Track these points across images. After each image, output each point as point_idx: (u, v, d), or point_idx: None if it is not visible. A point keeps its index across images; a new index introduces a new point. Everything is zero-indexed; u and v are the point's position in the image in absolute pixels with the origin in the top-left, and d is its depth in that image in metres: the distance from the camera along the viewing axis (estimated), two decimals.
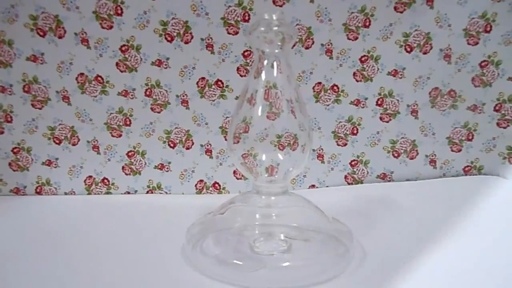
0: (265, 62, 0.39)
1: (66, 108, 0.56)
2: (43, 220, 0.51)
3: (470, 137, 0.60)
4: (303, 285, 0.35)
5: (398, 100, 0.58)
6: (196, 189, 0.59)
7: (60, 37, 0.54)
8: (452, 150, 0.60)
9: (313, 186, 0.60)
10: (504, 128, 0.59)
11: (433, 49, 0.57)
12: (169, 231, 0.47)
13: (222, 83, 0.56)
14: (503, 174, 0.59)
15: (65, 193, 0.58)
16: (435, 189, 0.58)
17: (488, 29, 0.56)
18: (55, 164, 0.58)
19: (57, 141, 0.57)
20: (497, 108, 0.59)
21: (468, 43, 0.57)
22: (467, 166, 0.61)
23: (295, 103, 0.40)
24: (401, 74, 0.58)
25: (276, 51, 0.38)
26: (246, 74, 0.56)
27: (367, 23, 0.56)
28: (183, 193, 0.59)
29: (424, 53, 0.57)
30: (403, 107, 0.59)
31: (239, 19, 0.54)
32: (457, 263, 0.39)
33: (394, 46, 0.57)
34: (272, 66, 0.39)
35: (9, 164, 0.57)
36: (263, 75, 0.41)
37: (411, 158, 0.60)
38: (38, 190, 0.58)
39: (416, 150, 0.60)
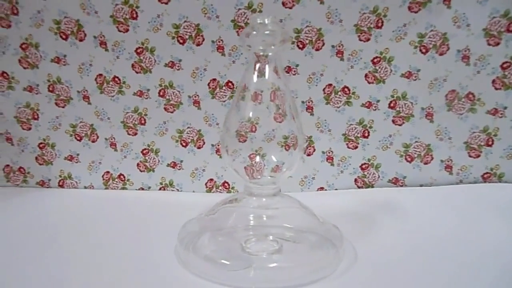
0: (267, 64, 0.36)
1: (86, 107, 0.56)
2: (63, 212, 0.51)
3: (490, 143, 0.54)
4: (290, 286, 0.33)
5: (412, 102, 0.54)
6: (206, 187, 0.57)
7: (80, 40, 0.54)
8: (470, 156, 0.54)
9: (321, 188, 0.56)
10: None
11: (450, 50, 0.52)
12: (176, 228, 0.45)
13: (233, 84, 0.54)
14: None
15: (85, 187, 0.59)
16: (450, 196, 0.53)
17: (511, 28, 0.50)
18: (76, 160, 0.58)
19: (78, 138, 0.57)
20: None
21: (489, 44, 0.51)
22: (486, 173, 0.55)
23: (293, 107, 0.38)
24: (415, 76, 0.53)
25: (271, 54, 0.35)
26: (259, 75, 0.53)
27: (380, 24, 0.52)
28: (193, 191, 0.57)
29: (441, 54, 0.52)
30: (417, 110, 0.54)
31: (249, 21, 0.52)
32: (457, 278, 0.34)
33: (408, 47, 0.52)
34: (275, 69, 0.37)
35: (36, 158, 0.58)
36: (267, 76, 0.38)
37: (425, 163, 0.55)
38: (60, 184, 0.59)
39: (431, 155, 0.55)
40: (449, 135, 0.54)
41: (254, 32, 0.35)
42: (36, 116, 0.57)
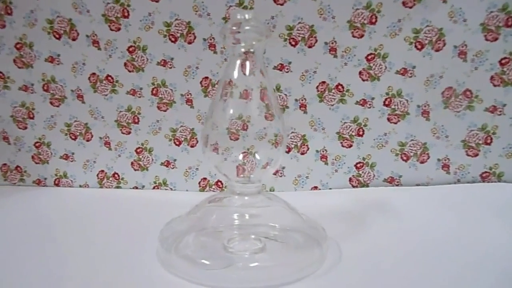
0: (253, 61, 0.35)
1: (80, 106, 0.56)
2: (59, 211, 0.51)
3: (489, 141, 0.52)
4: (272, 285, 0.32)
5: (407, 100, 0.52)
6: (200, 186, 0.57)
7: (73, 39, 0.54)
8: (468, 155, 0.52)
9: (315, 188, 0.55)
10: None
11: (447, 46, 0.50)
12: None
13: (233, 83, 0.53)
14: None
15: (80, 186, 0.58)
16: (448, 196, 0.51)
17: (510, 23, 0.48)
18: (71, 158, 0.58)
19: (73, 137, 0.57)
20: None
21: (486, 39, 0.49)
22: (485, 172, 0.52)
23: (278, 106, 0.37)
24: (410, 73, 0.51)
25: (256, 50, 0.34)
26: (247, 72, 0.52)
27: (374, 20, 0.50)
28: (187, 190, 0.57)
29: (437, 50, 0.50)
30: (412, 108, 0.52)
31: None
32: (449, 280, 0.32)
33: (403, 43, 0.50)
34: (261, 67, 0.36)
35: (32, 157, 0.58)
36: (256, 74, 0.37)
37: (422, 162, 0.53)
38: (56, 182, 0.58)
39: (427, 154, 0.53)
40: (446, 133, 0.52)
41: (247, 28, 0.34)
42: (31, 115, 0.57)
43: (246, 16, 0.34)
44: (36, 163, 0.58)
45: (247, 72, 0.37)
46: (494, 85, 0.50)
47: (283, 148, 0.37)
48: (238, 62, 0.37)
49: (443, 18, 0.49)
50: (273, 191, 0.55)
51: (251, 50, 0.35)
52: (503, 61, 0.49)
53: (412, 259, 0.35)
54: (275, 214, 0.36)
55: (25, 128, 0.57)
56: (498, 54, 0.49)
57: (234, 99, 0.37)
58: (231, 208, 0.35)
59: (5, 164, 0.58)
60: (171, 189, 0.57)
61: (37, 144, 0.57)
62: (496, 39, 0.49)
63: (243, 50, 0.36)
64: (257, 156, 0.37)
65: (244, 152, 0.39)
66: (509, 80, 0.50)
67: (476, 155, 0.52)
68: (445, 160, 0.53)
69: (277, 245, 0.35)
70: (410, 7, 0.49)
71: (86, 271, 0.34)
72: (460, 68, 0.50)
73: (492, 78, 0.50)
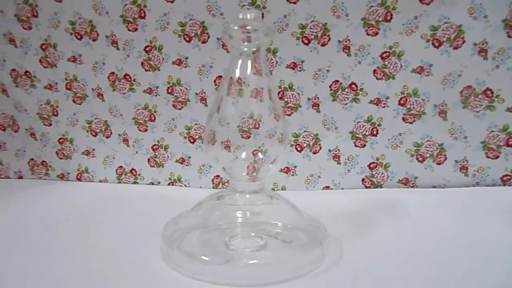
0: (259, 60, 0.35)
1: (100, 104, 0.58)
2: (80, 204, 0.53)
3: (510, 143, 0.49)
4: (271, 282, 0.31)
5: (423, 99, 0.50)
6: (213, 184, 0.57)
7: (94, 40, 0.55)
8: (488, 157, 0.50)
9: (327, 187, 0.54)
10: None
11: (466, 43, 0.48)
12: None
13: (242, 81, 0.53)
14: None
15: (100, 181, 0.60)
16: (465, 199, 0.49)
17: None
18: (92, 154, 0.60)
19: (94, 134, 0.59)
20: None
21: (509, 36, 0.46)
22: (506, 175, 0.50)
23: (280, 105, 0.36)
24: (427, 71, 0.49)
25: (253, 49, 0.34)
26: (256, 72, 0.52)
27: (388, 17, 0.48)
28: (200, 187, 0.57)
29: (455, 48, 0.48)
30: (429, 107, 0.50)
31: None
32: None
33: (419, 41, 0.48)
34: (265, 67, 0.35)
35: (56, 152, 0.60)
36: (264, 75, 0.37)
37: (438, 163, 0.51)
38: (78, 177, 0.60)
39: (444, 155, 0.51)
40: (464, 134, 0.50)
41: (250, 27, 0.34)
42: (55, 113, 0.59)
43: (251, 15, 0.33)
44: (60, 158, 0.60)
45: (256, 72, 0.37)
46: None
47: (286, 147, 0.36)
48: (246, 61, 0.37)
49: (462, 15, 0.47)
50: (285, 190, 0.55)
51: (256, 49, 0.35)
52: None
53: (415, 264, 0.33)
54: (277, 212, 0.35)
55: (50, 124, 0.59)
56: None
57: (245, 98, 0.37)
58: (233, 206, 0.35)
59: (32, 159, 0.61)
60: (185, 185, 0.57)
61: (61, 140, 0.60)
62: None
63: (251, 49, 0.36)
64: (269, 155, 0.36)
65: (255, 150, 0.38)
66: None
67: (497, 157, 0.49)
68: (463, 162, 0.50)
69: (278, 243, 0.34)
70: (428, 4, 0.47)
71: (94, 264, 0.35)
72: (480, 66, 0.47)
73: None
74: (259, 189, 0.35)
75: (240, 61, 0.35)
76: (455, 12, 0.47)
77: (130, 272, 0.34)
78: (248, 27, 0.33)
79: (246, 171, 0.35)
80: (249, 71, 0.37)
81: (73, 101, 0.58)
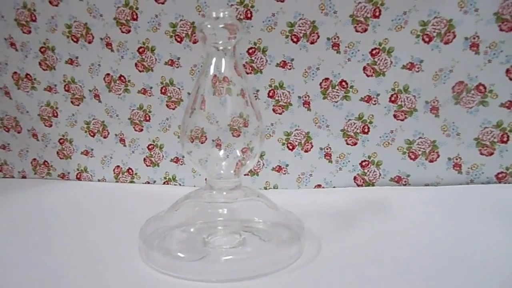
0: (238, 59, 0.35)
1: (97, 105, 0.58)
2: (79, 203, 0.54)
3: (505, 139, 0.47)
4: (247, 277, 0.31)
5: (414, 96, 0.49)
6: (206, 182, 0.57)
7: (89, 42, 0.56)
8: (482, 154, 0.48)
9: (319, 186, 0.53)
10: None
11: (457, 38, 0.46)
12: None
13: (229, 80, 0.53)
14: None
15: (98, 180, 0.61)
16: (459, 197, 0.47)
17: None
18: (91, 154, 0.60)
19: (92, 134, 0.60)
20: None
21: (501, 29, 0.45)
22: (501, 172, 0.48)
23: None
24: (418, 68, 0.48)
25: (230, 47, 0.34)
26: (252, 71, 0.52)
27: (377, 13, 0.47)
28: (194, 186, 0.57)
29: (446, 43, 0.47)
30: (420, 104, 0.49)
31: (241, 17, 0.50)
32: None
33: (409, 36, 0.47)
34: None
35: (57, 152, 0.61)
36: (243, 74, 0.37)
37: (431, 161, 0.50)
38: (78, 176, 0.61)
39: (437, 152, 0.49)
40: (457, 130, 0.48)
41: (233, 24, 0.33)
42: (55, 114, 0.60)
43: (224, 13, 0.33)
44: (61, 158, 0.61)
45: (237, 72, 0.36)
46: (511, 79, 0.45)
47: (262, 144, 0.36)
48: (228, 59, 0.36)
49: (452, 9, 0.45)
50: (277, 188, 0.54)
51: (232, 47, 0.35)
52: None
53: (396, 262, 0.32)
54: (254, 208, 0.35)
55: (50, 125, 0.60)
56: None
57: (234, 97, 0.37)
58: (210, 203, 0.35)
59: (34, 159, 0.62)
60: (180, 184, 0.58)
61: (61, 141, 0.61)
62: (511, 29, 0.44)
63: (228, 46, 0.35)
64: (237, 152, 0.36)
65: (244, 148, 0.38)
66: None
67: (491, 154, 0.48)
68: (456, 159, 0.49)
69: (256, 239, 0.34)
70: None
71: (90, 259, 0.36)
72: (472, 61, 0.46)
73: (507, 71, 0.45)
74: (237, 186, 0.35)
75: (214, 59, 0.35)
76: (445, 6, 0.46)
77: (113, 269, 0.34)
78: (221, 25, 0.33)
79: (222, 168, 0.35)
80: (231, 71, 0.36)
81: (72, 102, 0.59)
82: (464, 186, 0.48)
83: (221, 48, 0.34)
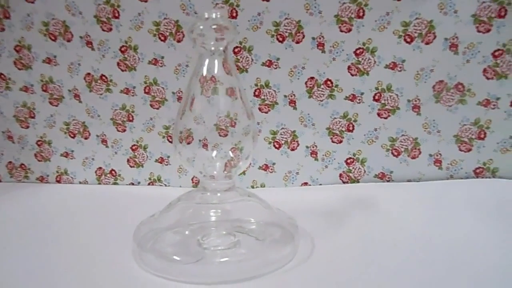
0: (228, 59, 0.35)
1: (77, 105, 0.57)
2: (60, 207, 0.52)
3: (482, 136, 0.49)
4: (242, 279, 0.31)
5: (397, 94, 0.50)
6: (193, 182, 0.56)
7: (68, 41, 0.54)
8: (461, 150, 0.50)
9: (305, 183, 0.54)
10: None
11: (437, 38, 0.47)
12: None
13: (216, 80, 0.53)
14: None
15: (80, 182, 0.59)
16: (440, 191, 0.49)
17: (503, 13, 0.45)
18: (71, 156, 0.59)
19: (72, 135, 0.58)
20: None
21: (478, 31, 0.46)
22: (479, 167, 0.50)
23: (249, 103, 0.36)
24: (400, 67, 0.49)
25: (221, 48, 0.33)
26: (237, 70, 0.51)
27: (361, 14, 0.48)
28: (180, 186, 0.56)
29: (427, 43, 0.48)
30: (403, 102, 0.50)
31: (227, 16, 0.50)
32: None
33: (392, 36, 0.48)
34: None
35: (35, 155, 0.59)
36: (234, 73, 0.36)
37: (413, 157, 0.51)
38: (58, 179, 0.59)
39: (419, 149, 0.51)
40: (437, 128, 0.50)
41: (223, 25, 0.33)
42: (32, 115, 0.58)
43: (218, 15, 0.33)
44: (39, 160, 0.59)
45: (227, 71, 0.36)
46: (487, 78, 0.47)
47: (256, 144, 0.36)
48: (219, 59, 0.36)
49: (433, 10, 0.47)
50: (264, 187, 0.54)
51: (224, 48, 0.35)
52: (496, 53, 0.46)
53: (386, 256, 0.34)
54: (248, 209, 0.35)
55: (27, 127, 0.58)
56: (491, 46, 0.46)
57: (221, 96, 0.37)
58: (205, 205, 0.34)
59: (10, 162, 0.60)
60: (165, 185, 0.57)
61: (39, 143, 0.58)
62: (488, 30, 0.46)
63: (223, 47, 0.35)
64: (230, 153, 0.36)
65: (233, 147, 0.38)
66: (503, 72, 0.47)
67: (469, 150, 0.50)
68: (437, 155, 0.51)
69: (250, 240, 0.34)
70: (399, 0, 0.47)
71: (78, 263, 0.35)
72: (452, 61, 0.48)
73: (485, 70, 0.47)
74: (231, 187, 0.35)
75: (207, 60, 0.35)
76: (425, 7, 0.47)
77: (105, 273, 0.33)
78: (214, 26, 0.32)
79: (217, 169, 0.34)
80: (219, 70, 0.36)
81: (50, 102, 0.57)
82: (444, 181, 0.50)
83: (212, 48, 0.34)
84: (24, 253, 0.37)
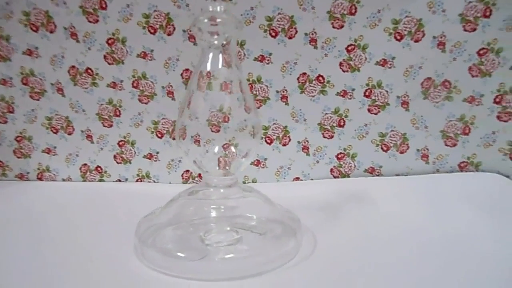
0: (229, 53, 0.34)
1: (60, 99, 0.54)
2: (42, 205, 0.50)
3: (467, 131, 0.51)
4: (246, 276, 0.31)
5: (387, 91, 0.51)
6: (183, 178, 0.55)
7: (51, 32, 0.52)
8: (447, 145, 0.52)
9: (297, 178, 0.54)
10: (505, 121, 0.50)
11: (426, 36, 0.49)
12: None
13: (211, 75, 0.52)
14: (503, 171, 0.50)
15: (63, 180, 0.57)
16: (427, 185, 0.50)
17: (488, 13, 0.47)
18: (53, 152, 0.56)
19: (54, 131, 0.55)
20: (497, 100, 0.50)
21: (465, 30, 0.48)
22: (463, 162, 0.52)
23: (252, 98, 0.36)
24: (390, 64, 0.50)
25: (229, 42, 0.33)
26: (226, 65, 0.51)
27: (353, 10, 0.49)
28: (170, 182, 0.55)
29: (416, 41, 0.49)
30: (392, 99, 0.51)
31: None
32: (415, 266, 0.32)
33: (382, 34, 0.49)
34: (236, 60, 0.35)
35: (14, 151, 0.56)
36: (233, 67, 0.36)
37: (402, 152, 0.52)
38: (39, 176, 0.57)
39: (407, 144, 0.52)
40: (425, 123, 0.51)
41: (226, 19, 0.33)
42: (11, 109, 0.55)
43: (221, 8, 0.32)
44: (18, 157, 0.56)
45: (226, 65, 0.36)
46: (472, 76, 0.49)
47: (258, 140, 0.36)
48: (216, 54, 0.36)
49: (422, 9, 0.48)
50: (255, 182, 0.54)
51: (226, 42, 0.34)
52: (481, 52, 0.48)
53: (385, 249, 0.35)
54: (251, 205, 0.35)
55: (5, 122, 0.55)
56: (476, 44, 0.48)
57: (215, 91, 0.36)
58: (207, 201, 0.34)
59: None
60: (154, 181, 0.56)
61: (18, 138, 0.56)
62: (474, 29, 0.48)
63: (221, 42, 0.35)
64: (240, 148, 0.36)
65: (226, 144, 0.38)
66: (487, 70, 0.49)
67: (455, 145, 0.51)
68: (424, 150, 0.52)
69: (253, 236, 0.34)
70: None
71: (66, 265, 0.33)
72: (439, 59, 0.49)
73: (470, 68, 0.49)
74: (233, 183, 0.34)
75: (211, 55, 0.34)
76: (415, 6, 0.48)
77: (104, 272, 0.32)
78: (218, 20, 0.32)
79: (210, 165, 0.34)
80: (220, 65, 0.36)
81: (31, 96, 0.54)
82: (430, 175, 0.52)
83: (214, 42, 0.33)
84: (5, 253, 0.35)
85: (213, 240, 0.34)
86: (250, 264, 0.31)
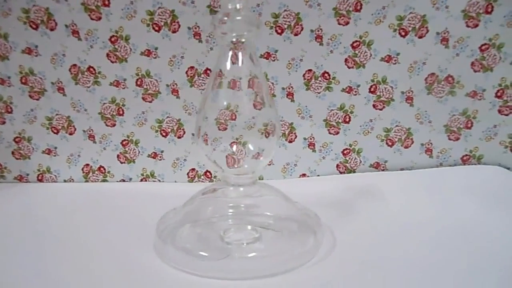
0: (243, 50, 0.34)
1: (61, 98, 0.53)
2: (43, 207, 0.49)
3: (469, 125, 0.52)
4: (269, 274, 0.31)
5: (392, 87, 0.52)
6: (188, 177, 0.55)
7: (51, 30, 0.50)
8: (450, 139, 0.53)
9: (304, 175, 0.54)
10: (506, 115, 0.51)
11: (429, 32, 0.49)
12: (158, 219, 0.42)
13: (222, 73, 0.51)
14: (504, 163, 0.51)
15: (65, 181, 0.56)
16: (431, 179, 0.51)
17: (489, 10, 0.48)
18: (54, 153, 0.55)
19: (55, 131, 0.54)
20: (498, 94, 0.51)
21: (467, 26, 0.49)
22: (466, 155, 0.53)
23: (269, 94, 0.35)
24: (395, 60, 0.51)
25: (246, 40, 0.33)
26: (236, 62, 0.50)
27: (358, 7, 0.49)
28: (175, 181, 0.55)
29: (420, 37, 0.50)
30: (397, 94, 0.52)
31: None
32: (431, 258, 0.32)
33: (387, 30, 0.50)
34: (251, 56, 0.34)
35: (12, 152, 0.55)
36: (244, 63, 0.35)
37: (406, 147, 0.53)
38: (39, 178, 0.56)
39: (411, 139, 0.53)
40: (429, 118, 0.52)
41: (238, 18, 0.32)
42: (10, 110, 0.53)
43: (237, 6, 0.32)
44: (17, 158, 0.55)
45: (235, 62, 0.36)
46: (475, 71, 0.50)
47: (275, 138, 0.36)
48: (227, 52, 0.35)
49: (426, 5, 0.49)
50: (262, 179, 0.54)
51: (242, 40, 0.34)
52: (483, 47, 0.49)
53: (402, 243, 0.36)
54: (270, 203, 0.35)
55: (4, 122, 0.54)
56: (478, 40, 0.49)
57: (223, 89, 0.36)
58: (226, 199, 0.34)
59: None
60: (159, 180, 0.55)
61: (17, 139, 0.54)
62: (476, 25, 0.49)
63: (232, 40, 0.34)
64: (249, 146, 0.35)
65: (233, 142, 0.37)
66: (489, 65, 0.50)
67: (458, 139, 0.53)
68: (428, 144, 0.53)
69: (273, 234, 0.34)
70: None
71: (79, 268, 0.33)
72: (442, 55, 0.50)
73: (472, 64, 0.50)
74: (252, 182, 0.34)
75: (221, 53, 0.34)
76: (419, 2, 0.49)
77: (124, 271, 0.32)
78: (224, 18, 0.31)
79: (236, 163, 0.34)
80: (226, 63, 0.35)
81: (30, 96, 0.53)
82: (434, 169, 0.53)
83: (232, 40, 0.33)
84: (16, 259, 0.34)
85: (233, 239, 0.34)
86: (273, 262, 0.31)
